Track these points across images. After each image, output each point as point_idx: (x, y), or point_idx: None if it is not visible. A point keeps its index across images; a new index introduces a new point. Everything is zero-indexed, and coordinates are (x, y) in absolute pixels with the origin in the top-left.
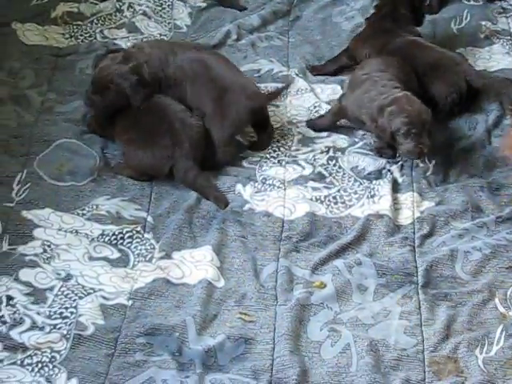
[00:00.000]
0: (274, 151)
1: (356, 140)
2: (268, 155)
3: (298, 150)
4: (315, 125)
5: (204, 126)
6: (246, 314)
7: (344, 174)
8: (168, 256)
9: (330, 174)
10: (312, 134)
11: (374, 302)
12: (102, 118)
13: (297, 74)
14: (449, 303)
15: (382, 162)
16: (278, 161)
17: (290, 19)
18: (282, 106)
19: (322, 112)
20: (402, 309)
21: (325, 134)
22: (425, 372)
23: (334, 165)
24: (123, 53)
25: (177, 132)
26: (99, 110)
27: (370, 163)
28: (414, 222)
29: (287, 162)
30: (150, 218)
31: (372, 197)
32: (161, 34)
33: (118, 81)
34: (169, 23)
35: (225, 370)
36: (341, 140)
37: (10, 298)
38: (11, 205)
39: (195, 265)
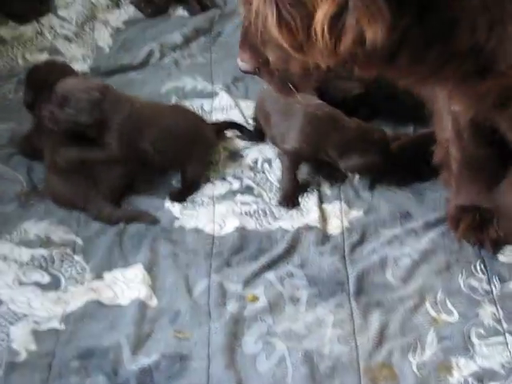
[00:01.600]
0: None
1: None
2: None
3: (225, 165)
4: (287, 195)
5: (125, 168)
6: (179, 331)
7: (271, 186)
8: (99, 277)
9: (258, 185)
10: (239, 147)
11: (307, 313)
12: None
13: (221, 89)
14: (381, 310)
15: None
16: (206, 178)
17: (211, 36)
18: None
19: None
20: (335, 317)
21: (250, 144)
22: (360, 379)
23: (261, 178)
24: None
25: (96, 174)
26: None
27: None
28: (344, 231)
29: (215, 178)
30: (79, 240)
31: (300, 209)
32: (83, 55)
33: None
34: (91, 44)
35: None
36: (268, 150)
37: None
38: None
39: (127, 284)
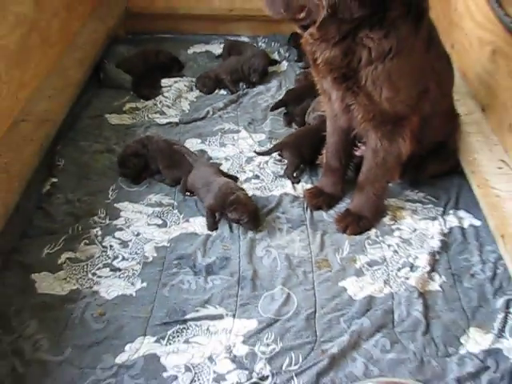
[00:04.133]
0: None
1: None
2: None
3: (245, 166)
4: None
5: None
6: (225, 245)
7: (269, 174)
8: (187, 221)
9: (262, 174)
10: (253, 155)
11: (287, 236)
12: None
13: (242, 128)
14: (322, 233)
15: None
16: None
17: (237, 103)
18: (235, 145)
19: (257, 148)
20: (300, 238)
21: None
22: (312, 266)
23: (264, 172)
24: None
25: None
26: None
27: None
28: (304, 195)
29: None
30: (175, 203)
31: (282, 185)
32: (176, 114)
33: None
34: (179, 108)
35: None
36: (264, 159)
37: (111, 246)
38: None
39: (202, 224)
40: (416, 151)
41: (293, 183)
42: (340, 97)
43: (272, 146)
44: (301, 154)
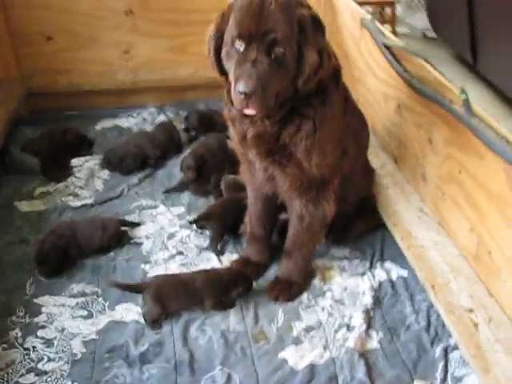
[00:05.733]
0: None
1: None
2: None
3: (167, 243)
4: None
5: None
6: (157, 332)
7: (192, 249)
8: (113, 309)
9: (185, 250)
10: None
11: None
12: None
13: (160, 203)
14: (254, 307)
15: None
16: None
17: (152, 179)
18: (155, 221)
19: (177, 222)
20: (235, 311)
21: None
22: (250, 340)
23: (188, 246)
24: None
25: None
26: None
27: None
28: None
29: (164, 250)
30: (99, 291)
31: (206, 261)
32: (90, 195)
33: None
34: (93, 189)
35: None
36: (188, 232)
37: (34, 347)
38: None
39: (128, 311)
40: (342, 210)
41: (217, 255)
42: (263, 167)
43: (197, 216)
44: (225, 224)
